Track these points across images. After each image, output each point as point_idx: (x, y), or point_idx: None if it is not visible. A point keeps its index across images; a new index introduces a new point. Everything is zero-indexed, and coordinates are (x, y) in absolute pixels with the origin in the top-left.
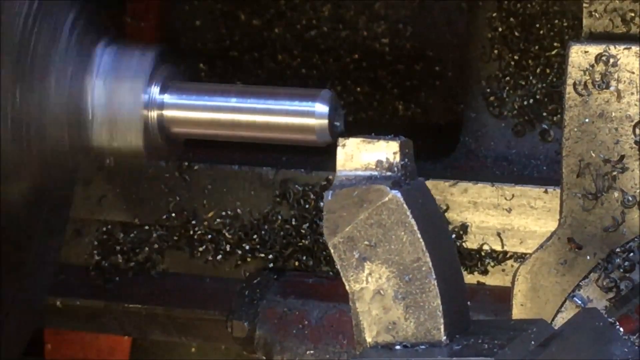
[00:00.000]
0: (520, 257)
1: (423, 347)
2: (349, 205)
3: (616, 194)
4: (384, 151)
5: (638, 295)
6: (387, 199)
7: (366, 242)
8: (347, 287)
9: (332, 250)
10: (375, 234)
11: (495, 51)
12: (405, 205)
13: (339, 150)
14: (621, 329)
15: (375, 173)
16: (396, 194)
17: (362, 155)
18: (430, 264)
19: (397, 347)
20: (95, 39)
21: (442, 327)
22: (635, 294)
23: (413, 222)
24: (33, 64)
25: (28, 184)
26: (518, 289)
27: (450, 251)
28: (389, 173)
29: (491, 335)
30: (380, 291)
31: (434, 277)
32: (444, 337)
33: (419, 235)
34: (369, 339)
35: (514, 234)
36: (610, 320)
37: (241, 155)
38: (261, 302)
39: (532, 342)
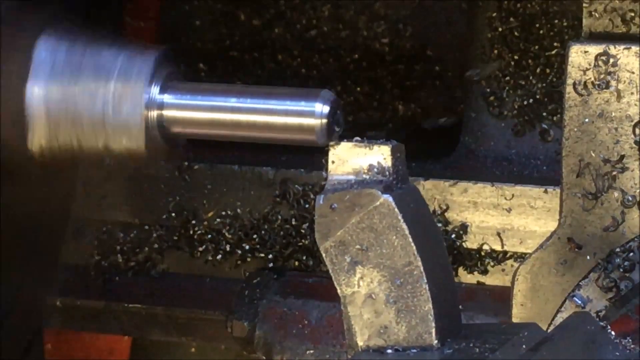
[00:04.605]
0: (520, 257)
1: (414, 351)
2: (341, 210)
3: (616, 194)
4: (376, 155)
5: (638, 295)
6: (378, 203)
7: (358, 246)
8: (338, 291)
9: (323, 255)
10: (367, 238)
11: (495, 51)
12: (396, 210)
13: (331, 154)
14: (612, 333)
15: (367, 177)
16: (387, 198)
17: (353, 160)
18: (421, 268)
19: (389, 351)
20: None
21: (433, 331)
22: (635, 294)
23: (404, 226)
24: None
25: (28, 184)
26: (518, 289)
27: (442, 255)
28: (380, 177)
29: (482, 339)
30: (372, 295)
31: (426, 281)
32: (435, 341)
33: (411, 240)
34: (360, 343)
35: (514, 234)
36: (601, 324)
37: (241, 155)
38: (261, 302)
39: (523, 346)
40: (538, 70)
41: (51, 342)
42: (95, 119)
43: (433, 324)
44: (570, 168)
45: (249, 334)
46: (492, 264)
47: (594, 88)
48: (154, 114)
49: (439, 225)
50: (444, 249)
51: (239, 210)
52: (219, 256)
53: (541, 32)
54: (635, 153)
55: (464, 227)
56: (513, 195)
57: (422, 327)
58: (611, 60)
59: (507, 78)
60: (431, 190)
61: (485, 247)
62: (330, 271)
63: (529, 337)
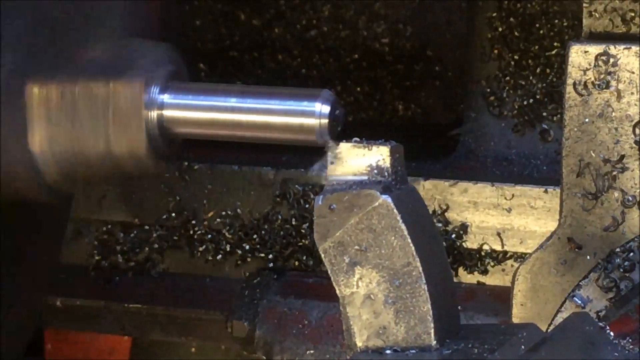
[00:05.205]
0: (520, 257)
1: (413, 351)
2: (340, 210)
3: (616, 194)
4: (375, 156)
5: (638, 295)
6: (377, 203)
7: (357, 247)
8: (337, 292)
9: (322, 255)
10: (366, 239)
11: (495, 51)
12: (395, 210)
13: (330, 154)
14: (611, 333)
15: (366, 178)
16: (386, 198)
17: (352, 160)
18: (420, 268)
19: (387, 351)
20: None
21: (432, 331)
22: (635, 294)
23: (403, 226)
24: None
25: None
26: (518, 289)
27: (441, 256)
28: (379, 178)
29: (481, 340)
30: (371, 296)
31: (424, 281)
32: (434, 342)
33: (409, 240)
34: (359, 343)
35: (514, 234)
36: (600, 324)
37: (241, 155)
38: (261, 302)
39: (522, 347)
40: (538, 70)
41: (51, 342)
42: (95, 119)
43: (432, 325)
44: (570, 168)
45: (249, 334)
46: (492, 264)
47: (594, 88)
48: (154, 114)
49: (439, 225)
50: (442, 250)
51: (239, 210)
52: (219, 256)
53: (541, 32)
54: (635, 153)
55: (464, 227)
56: (513, 195)
57: (420, 327)
58: (611, 60)
59: (507, 78)
60: (431, 190)
61: (485, 247)
62: (329, 272)
63: (528, 337)
